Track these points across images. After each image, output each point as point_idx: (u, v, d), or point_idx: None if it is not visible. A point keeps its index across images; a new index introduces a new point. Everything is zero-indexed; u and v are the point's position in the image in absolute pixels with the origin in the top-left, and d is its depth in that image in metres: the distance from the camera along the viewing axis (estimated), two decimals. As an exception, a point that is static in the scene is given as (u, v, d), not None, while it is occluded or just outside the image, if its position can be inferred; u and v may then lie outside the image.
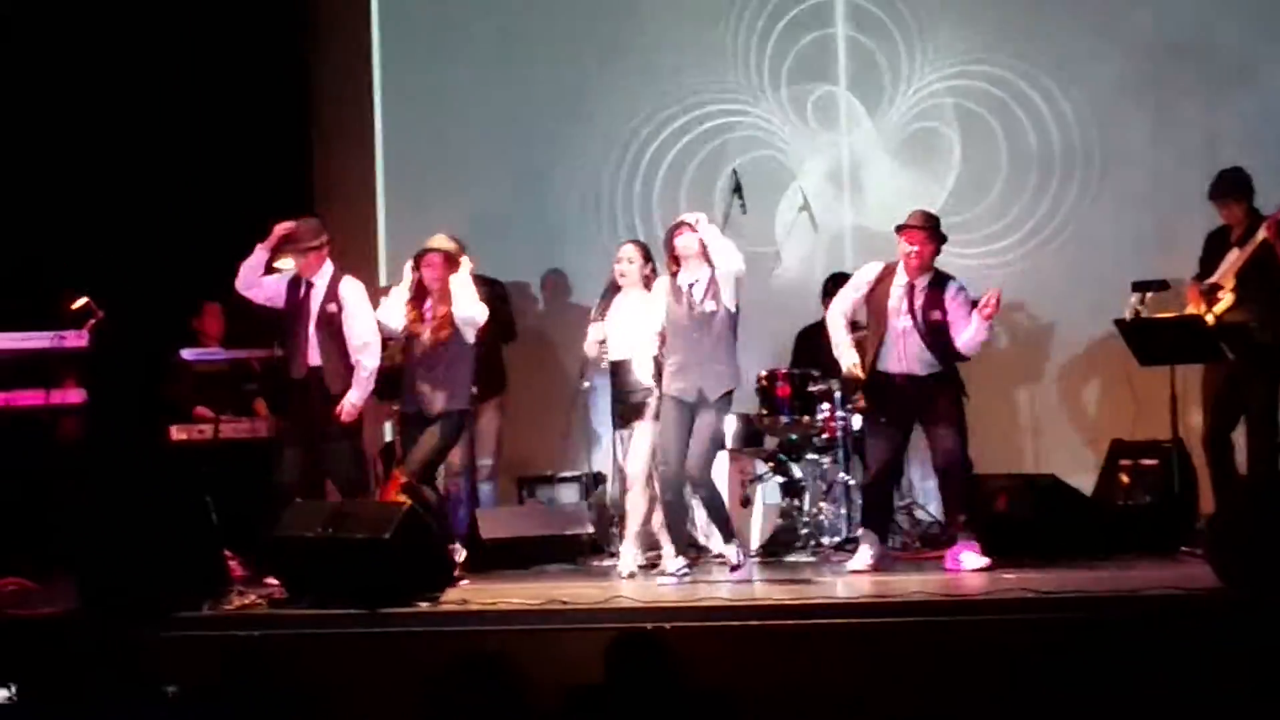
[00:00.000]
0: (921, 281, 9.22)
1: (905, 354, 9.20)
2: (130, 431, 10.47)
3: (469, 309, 9.37)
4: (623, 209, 12.00)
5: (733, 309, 8.97)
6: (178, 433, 10.37)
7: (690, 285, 9.01)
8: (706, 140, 11.88)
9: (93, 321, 9.90)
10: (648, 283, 9.49)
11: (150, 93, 11.57)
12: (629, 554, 9.45)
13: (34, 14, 11.32)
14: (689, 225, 8.99)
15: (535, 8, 12.28)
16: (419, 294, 9.45)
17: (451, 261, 9.42)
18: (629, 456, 9.51)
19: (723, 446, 9.75)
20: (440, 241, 9.52)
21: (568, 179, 12.12)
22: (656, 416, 9.23)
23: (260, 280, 9.59)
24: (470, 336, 9.44)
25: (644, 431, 9.38)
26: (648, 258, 9.56)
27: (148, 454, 10.37)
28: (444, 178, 12.11)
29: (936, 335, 9.18)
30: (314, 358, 9.49)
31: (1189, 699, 6.71)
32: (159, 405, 10.76)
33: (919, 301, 9.19)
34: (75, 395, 9.89)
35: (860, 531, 9.54)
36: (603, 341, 9.61)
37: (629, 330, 9.48)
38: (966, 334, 9.13)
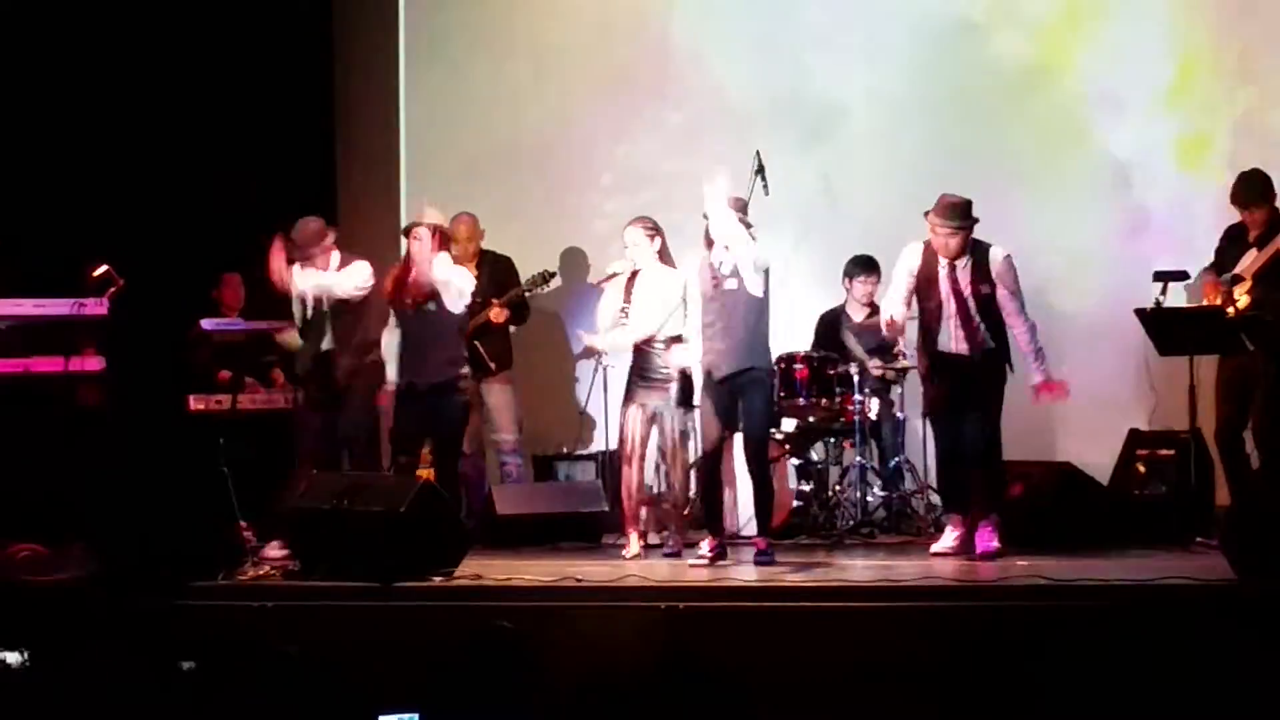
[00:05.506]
0: (962, 261, 9.08)
1: (955, 334, 9.08)
2: (149, 400, 10.50)
3: (447, 276, 9.54)
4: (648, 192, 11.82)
5: (756, 294, 8.94)
6: (195, 403, 10.40)
7: (720, 263, 8.98)
8: (732, 124, 11.72)
9: (113, 290, 9.92)
10: (662, 258, 9.51)
11: (180, 81, 11.70)
12: (633, 534, 9.51)
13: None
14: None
15: (561, 8, 12.27)
16: (405, 269, 9.63)
17: (438, 236, 9.57)
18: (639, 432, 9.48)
19: (775, 424, 9.85)
20: (429, 216, 9.72)
21: (590, 179, 12.10)
22: (684, 399, 9.32)
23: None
24: (453, 304, 9.56)
25: (660, 408, 9.39)
26: (655, 234, 9.55)
27: (166, 423, 10.40)
28: (467, 178, 12.06)
29: (987, 309, 9.07)
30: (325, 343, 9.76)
31: (1201, 689, 6.71)
32: (178, 374, 10.80)
33: (964, 280, 9.07)
34: (94, 363, 9.91)
35: (944, 515, 9.55)
36: (622, 310, 9.56)
37: (650, 309, 9.47)
38: (1015, 330, 9.11)
